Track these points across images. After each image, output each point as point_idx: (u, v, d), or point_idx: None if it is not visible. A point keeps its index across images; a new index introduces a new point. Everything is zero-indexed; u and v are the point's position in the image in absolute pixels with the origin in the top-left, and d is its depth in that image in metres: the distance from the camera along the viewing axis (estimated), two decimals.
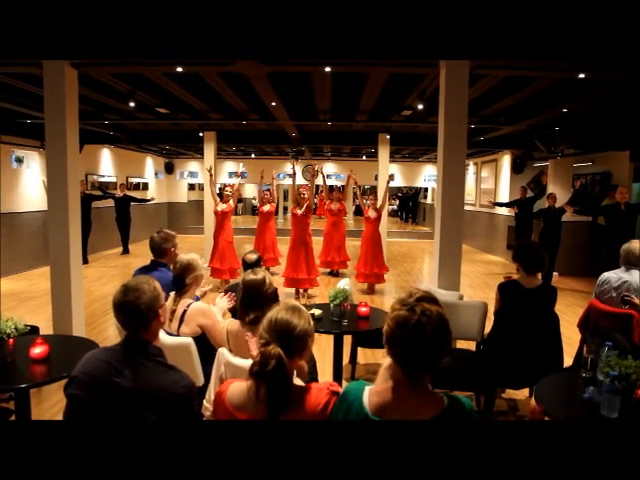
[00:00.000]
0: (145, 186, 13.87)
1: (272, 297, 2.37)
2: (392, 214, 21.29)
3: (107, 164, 11.80)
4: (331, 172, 15.31)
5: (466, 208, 12.79)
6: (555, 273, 8.35)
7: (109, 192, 10.76)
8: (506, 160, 11.32)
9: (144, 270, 3.25)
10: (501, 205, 10.01)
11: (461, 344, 4.10)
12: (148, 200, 11.58)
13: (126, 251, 11.11)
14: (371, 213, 7.51)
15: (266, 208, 8.61)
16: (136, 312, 1.69)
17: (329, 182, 15.78)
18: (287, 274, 6.85)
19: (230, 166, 15.28)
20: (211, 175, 7.72)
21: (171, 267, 3.08)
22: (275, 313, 1.59)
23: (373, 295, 7.40)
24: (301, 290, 7.00)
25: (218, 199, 7.79)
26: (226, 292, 3.10)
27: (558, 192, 8.65)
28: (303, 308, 1.65)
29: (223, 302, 2.97)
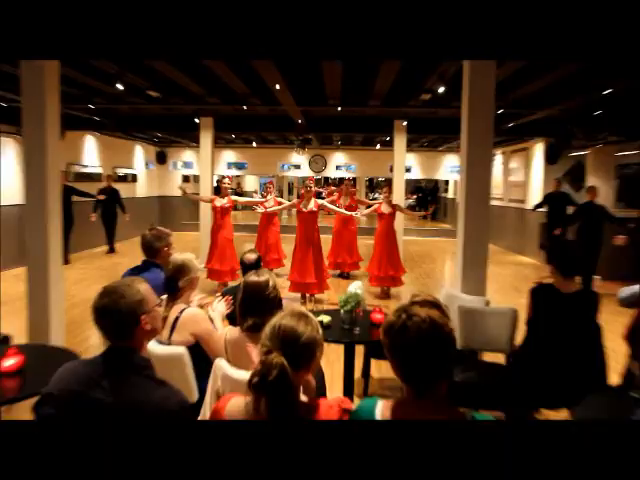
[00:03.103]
0: (134, 178, 13.92)
1: (275, 302, 2.38)
2: (408, 208, 21.21)
3: (91, 153, 11.82)
4: (341, 163, 15.27)
5: (493, 203, 12.68)
6: (597, 277, 8.23)
7: (90, 193, 10.41)
8: (538, 149, 11.22)
9: (135, 271, 3.27)
10: (540, 206, 9.59)
11: (488, 356, 4.05)
12: (123, 208, 10.99)
13: (112, 250, 11.15)
14: (385, 208, 7.46)
15: (269, 204, 8.58)
16: (116, 317, 1.66)
17: (339, 174, 15.75)
18: (293, 278, 6.80)
19: (229, 155, 15.32)
20: (185, 194, 7.88)
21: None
22: (279, 319, 1.58)
23: (389, 300, 7.36)
24: (307, 294, 6.98)
25: (213, 196, 7.83)
26: (223, 295, 3.11)
27: (599, 185, 8.54)
28: (311, 315, 1.64)
29: (221, 306, 2.97)
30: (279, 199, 9.07)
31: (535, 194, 11.14)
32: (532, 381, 3.15)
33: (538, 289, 3.22)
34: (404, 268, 7.73)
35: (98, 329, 1.73)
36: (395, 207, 7.55)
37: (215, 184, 12.36)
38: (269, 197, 8.55)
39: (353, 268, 8.74)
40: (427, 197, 21.08)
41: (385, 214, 7.44)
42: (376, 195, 23.33)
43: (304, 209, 6.77)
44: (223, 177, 8.33)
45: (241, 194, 20.54)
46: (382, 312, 3.69)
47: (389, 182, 11.03)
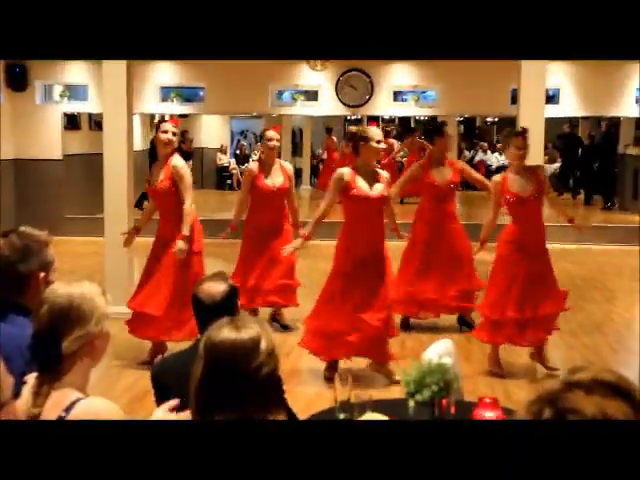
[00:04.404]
0: None
1: (269, 385, 2.46)
2: (552, 183, 21.03)
3: None
4: (404, 86, 15.25)
5: None
6: None
7: None
8: None
9: None
10: None
11: None
12: None
13: None
14: (520, 186, 7.24)
15: (277, 182, 8.72)
16: None
17: (400, 110, 15.77)
18: (315, 324, 6.74)
19: (165, 73, 15.39)
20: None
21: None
22: None
23: (517, 379, 7.32)
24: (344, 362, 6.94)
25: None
26: (156, 380, 3.16)
27: None
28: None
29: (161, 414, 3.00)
30: (284, 164, 9.20)
31: None
32: None
33: None
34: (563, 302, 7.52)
35: None
36: (540, 175, 7.42)
37: (151, 137, 12.45)
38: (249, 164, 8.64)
39: (462, 308, 8.84)
40: (593, 156, 20.71)
41: (523, 198, 7.19)
42: (479, 155, 23.32)
43: (369, 193, 6.73)
44: (163, 120, 8.40)
45: (189, 154, 20.67)
46: (498, 407, 3.72)
47: (514, 130, 10.98)
